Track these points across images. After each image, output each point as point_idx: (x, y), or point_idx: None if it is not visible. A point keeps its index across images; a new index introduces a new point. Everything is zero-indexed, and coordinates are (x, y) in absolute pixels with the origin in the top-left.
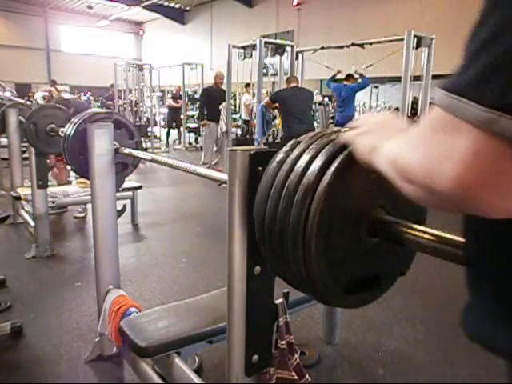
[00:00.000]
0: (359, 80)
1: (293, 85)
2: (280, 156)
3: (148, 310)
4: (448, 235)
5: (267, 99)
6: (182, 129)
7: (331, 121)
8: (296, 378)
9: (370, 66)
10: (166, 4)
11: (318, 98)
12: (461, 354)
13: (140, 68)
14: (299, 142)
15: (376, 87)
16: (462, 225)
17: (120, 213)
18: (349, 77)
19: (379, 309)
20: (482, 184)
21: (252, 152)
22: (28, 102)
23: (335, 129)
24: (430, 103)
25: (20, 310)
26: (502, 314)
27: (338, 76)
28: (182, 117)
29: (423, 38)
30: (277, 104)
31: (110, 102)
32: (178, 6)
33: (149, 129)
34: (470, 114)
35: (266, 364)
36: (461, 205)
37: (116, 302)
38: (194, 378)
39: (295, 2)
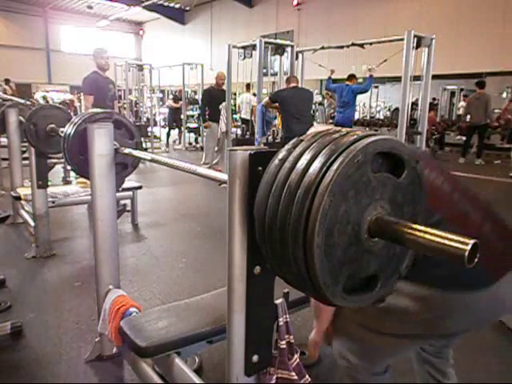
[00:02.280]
0: (360, 80)
1: (293, 85)
2: (282, 154)
3: (148, 310)
4: (448, 235)
5: (267, 99)
6: (182, 129)
7: (331, 121)
8: (296, 377)
9: (385, 61)
10: (165, 4)
11: (317, 98)
12: (460, 353)
13: (140, 68)
14: (301, 141)
15: (376, 87)
16: None
17: (120, 213)
18: (351, 77)
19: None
20: None
21: (252, 152)
22: (28, 102)
23: (337, 128)
24: (430, 103)
25: (20, 309)
26: None
27: (335, 76)
28: (182, 117)
29: (423, 38)
30: (276, 104)
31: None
32: (178, 6)
33: (149, 129)
34: None
35: (266, 364)
36: None
37: (116, 302)
38: (194, 377)
39: (295, 2)
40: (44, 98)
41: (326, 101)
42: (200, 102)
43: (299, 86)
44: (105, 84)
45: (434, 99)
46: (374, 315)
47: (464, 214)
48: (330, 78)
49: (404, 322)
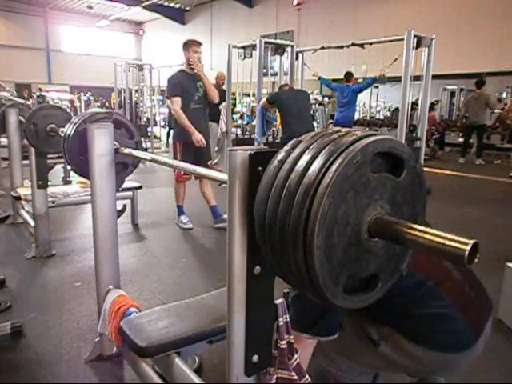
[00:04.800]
0: (360, 80)
1: (287, 87)
2: (281, 155)
3: (148, 310)
4: (448, 235)
5: (264, 100)
6: None
7: (331, 121)
8: (296, 378)
9: (396, 60)
10: (166, 4)
11: (318, 98)
12: None
13: (140, 68)
14: (300, 141)
15: (376, 87)
16: None
17: (120, 213)
18: (349, 76)
19: None
20: None
21: (252, 152)
22: (28, 102)
23: (336, 128)
24: (431, 103)
25: (20, 309)
26: None
27: (336, 76)
28: None
29: (423, 38)
30: (273, 105)
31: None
32: (178, 6)
33: (149, 129)
34: None
35: (266, 364)
36: None
37: (116, 302)
38: (194, 377)
39: (295, 2)
40: (43, 97)
41: (326, 98)
42: None
43: (295, 88)
44: (191, 84)
45: (436, 101)
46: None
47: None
48: (321, 78)
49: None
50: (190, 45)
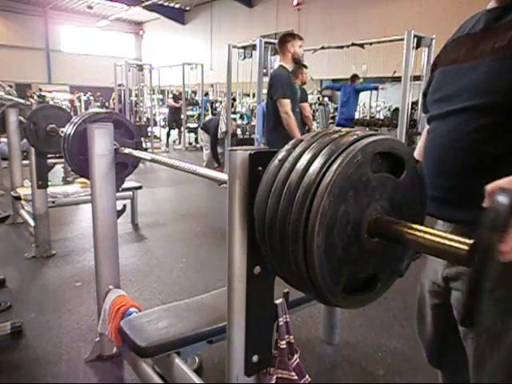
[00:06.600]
0: (360, 80)
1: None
2: (282, 154)
3: (148, 310)
4: (448, 235)
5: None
6: (182, 129)
7: (331, 121)
8: (296, 377)
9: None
10: (166, 4)
11: (316, 98)
12: None
13: (140, 68)
14: (301, 141)
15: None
16: None
17: (120, 213)
18: (354, 77)
19: (379, 309)
20: None
21: (252, 152)
22: (28, 102)
23: (336, 128)
24: None
25: (20, 309)
26: None
27: (336, 76)
28: (182, 117)
29: (423, 38)
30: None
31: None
32: (177, 6)
33: (149, 129)
34: None
35: (265, 364)
36: None
37: (116, 302)
38: (194, 377)
39: (295, 2)
40: (43, 97)
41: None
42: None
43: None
44: (293, 83)
45: None
46: None
47: None
48: (324, 85)
49: None
50: (295, 38)
